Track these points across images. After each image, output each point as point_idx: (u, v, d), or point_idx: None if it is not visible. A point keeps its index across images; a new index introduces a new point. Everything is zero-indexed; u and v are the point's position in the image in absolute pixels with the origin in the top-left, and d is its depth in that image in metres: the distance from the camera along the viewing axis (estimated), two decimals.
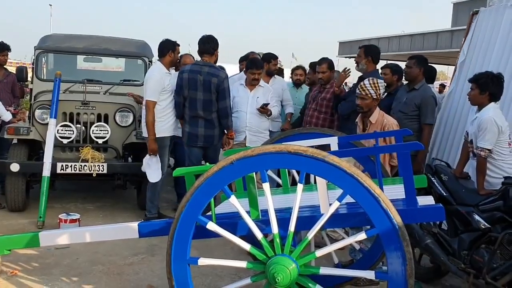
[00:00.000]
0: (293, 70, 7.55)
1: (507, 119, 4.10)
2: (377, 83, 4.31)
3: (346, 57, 28.04)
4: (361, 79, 4.98)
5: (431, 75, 6.29)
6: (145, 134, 5.38)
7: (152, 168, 5.28)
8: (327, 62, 5.76)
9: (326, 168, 2.46)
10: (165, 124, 5.37)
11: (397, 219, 2.44)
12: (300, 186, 2.56)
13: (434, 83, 8.54)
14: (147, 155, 5.28)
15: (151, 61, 7.30)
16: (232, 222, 2.84)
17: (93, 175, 5.58)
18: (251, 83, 5.59)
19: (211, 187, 2.61)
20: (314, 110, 5.74)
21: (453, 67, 6.13)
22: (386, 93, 5.62)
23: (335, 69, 6.19)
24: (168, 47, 5.41)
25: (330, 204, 2.58)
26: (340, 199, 2.52)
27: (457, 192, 3.89)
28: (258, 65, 5.56)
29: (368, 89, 4.28)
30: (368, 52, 5.27)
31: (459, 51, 5.88)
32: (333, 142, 3.62)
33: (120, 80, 6.86)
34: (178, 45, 5.52)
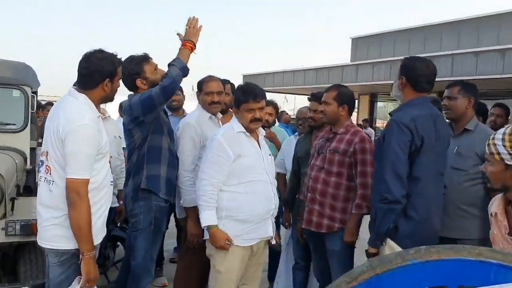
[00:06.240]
0: None
1: None
2: None
3: None
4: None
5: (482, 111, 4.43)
6: (47, 244, 2.48)
7: None
8: (337, 90, 3.41)
9: None
10: (100, 218, 2.55)
11: None
12: None
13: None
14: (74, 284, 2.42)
15: (35, 93, 4.70)
16: None
17: None
18: (252, 128, 3.11)
19: None
20: (320, 169, 3.37)
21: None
22: None
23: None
24: (102, 72, 2.53)
25: None
26: None
27: None
28: (263, 94, 3.12)
29: (497, 146, 2.03)
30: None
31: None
32: None
33: None
34: (120, 64, 2.67)
